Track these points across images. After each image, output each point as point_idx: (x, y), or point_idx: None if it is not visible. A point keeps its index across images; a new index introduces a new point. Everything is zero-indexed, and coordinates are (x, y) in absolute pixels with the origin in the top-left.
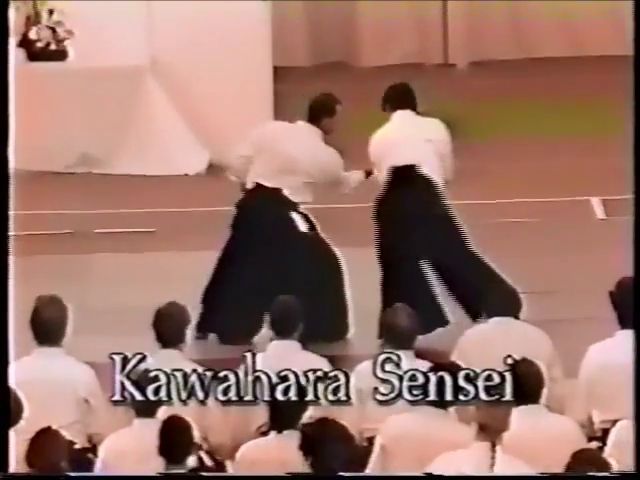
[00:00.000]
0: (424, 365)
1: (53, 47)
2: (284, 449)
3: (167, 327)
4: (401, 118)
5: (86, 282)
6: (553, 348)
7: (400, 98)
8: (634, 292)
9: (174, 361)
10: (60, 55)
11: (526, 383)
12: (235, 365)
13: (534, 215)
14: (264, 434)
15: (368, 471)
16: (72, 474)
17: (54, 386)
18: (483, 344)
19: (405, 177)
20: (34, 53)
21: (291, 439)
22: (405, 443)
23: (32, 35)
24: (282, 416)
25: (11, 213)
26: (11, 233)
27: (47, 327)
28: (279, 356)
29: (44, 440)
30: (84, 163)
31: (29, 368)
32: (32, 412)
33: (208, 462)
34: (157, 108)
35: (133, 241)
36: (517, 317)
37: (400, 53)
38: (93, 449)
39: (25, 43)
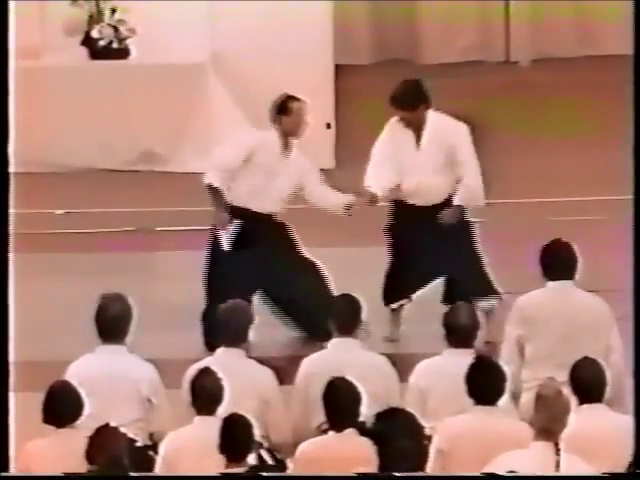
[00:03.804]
0: None
1: (115, 45)
2: (343, 447)
3: (230, 326)
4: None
5: (148, 280)
6: (612, 316)
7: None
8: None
9: (236, 359)
10: (122, 53)
11: (588, 382)
12: (297, 362)
13: (599, 213)
14: (324, 432)
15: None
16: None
17: (117, 384)
18: (545, 308)
19: None
20: (96, 51)
21: (351, 437)
22: (463, 444)
23: (94, 34)
24: (340, 416)
25: (77, 211)
26: (75, 230)
27: (111, 324)
28: (339, 353)
29: (103, 437)
30: (146, 160)
31: (92, 365)
32: (94, 409)
33: (269, 460)
34: (218, 106)
35: (195, 239)
36: (573, 279)
37: (461, 50)
38: (154, 447)
39: (87, 41)
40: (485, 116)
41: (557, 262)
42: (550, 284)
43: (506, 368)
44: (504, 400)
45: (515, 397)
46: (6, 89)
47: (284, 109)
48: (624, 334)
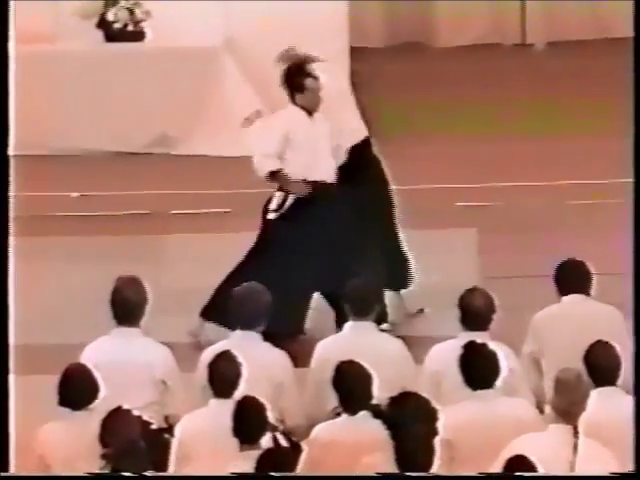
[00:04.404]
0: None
1: (130, 28)
2: (357, 430)
3: (246, 309)
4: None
5: (162, 263)
6: (626, 325)
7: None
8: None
9: (251, 343)
10: (137, 36)
11: (602, 365)
12: (312, 345)
13: (615, 196)
14: (338, 415)
15: (434, 468)
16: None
17: (132, 367)
18: (558, 322)
19: None
20: (111, 34)
21: (364, 420)
22: (468, 432)
23: (110, 16)
24: (352, 399)
25: (91, 194)
26: (89, 213)
27: (126, 307)
28: (354, 337)
29: (115, 420)
30: (161, 144)
31: (107, 348)
32: (109, 392)
33: (283, 443)
34: (233, 89)
35: (209, 222)
36: (588, 294)
37: (476, 33)
38: (170, 429)
39: (103, 24)
40: (500, 98)
41: (571, 279)
42: (565, 298)
43: (497, 348)
44: (501, 381)
45: (540, 409)
46: (6, 73)
47: (298, 87)
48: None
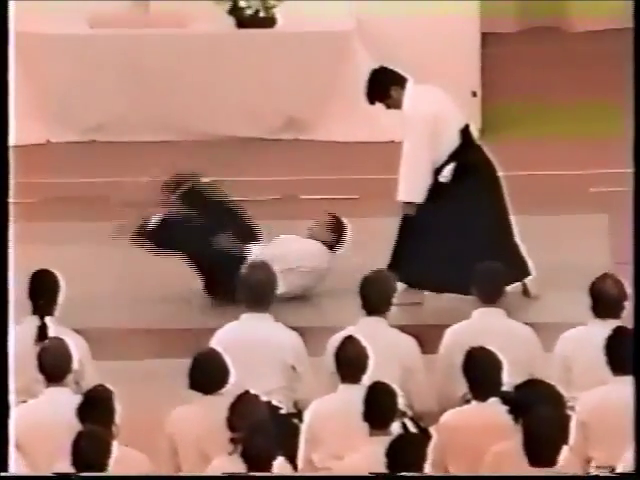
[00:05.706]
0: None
1: (262, 14)
2: (487, 416)
3: (374, 294)
4: None
5: None
6: None
7: None
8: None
9: (379, 328)
10: (269, 22)
11: None
12: (438, 332)
13: None
14: (468, 402)
15: (568, 446)
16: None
17: (261, 352)
18: None
19: None
20: (243, 20)
21: (494, 407)
22: (604, 416)
23: (242, 3)
24: (482, 386)
25: (223, 179)
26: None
27: (256, 292)
28: (484, 323)
29: (243, 404)
30: (290, 128)
31: (237, 333)
32: (239, 377)
33: (412, 429)
34: (364, 73)
35: (337, 207)
36: None
37: (610, 17)
38: (299, 414)
39: (234, 10)
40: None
41: None
42: None
43: None
44: None
45: None
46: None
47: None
48: None
